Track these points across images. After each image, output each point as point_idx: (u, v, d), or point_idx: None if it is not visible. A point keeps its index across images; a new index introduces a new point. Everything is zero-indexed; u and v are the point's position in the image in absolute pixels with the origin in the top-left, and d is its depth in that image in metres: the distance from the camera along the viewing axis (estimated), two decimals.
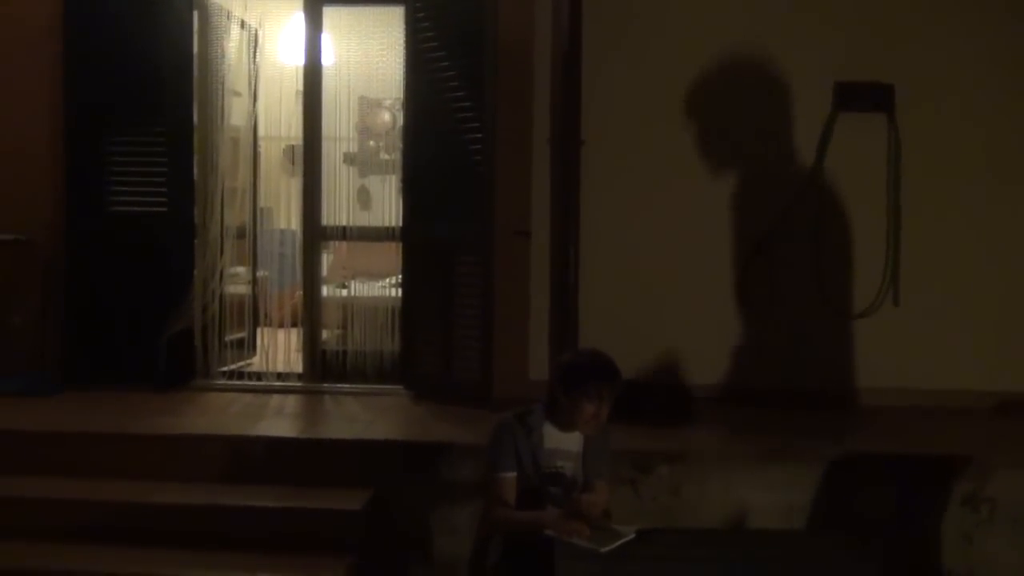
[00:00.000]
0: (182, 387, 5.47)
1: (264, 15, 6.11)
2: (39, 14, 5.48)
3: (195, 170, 5.64)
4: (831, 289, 5.33)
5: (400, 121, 6.07)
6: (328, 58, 5.94)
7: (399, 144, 6.07)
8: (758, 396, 5.24)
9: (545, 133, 5.07)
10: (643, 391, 4.55)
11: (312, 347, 5.70)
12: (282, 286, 6.64)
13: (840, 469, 4.22)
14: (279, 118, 6.37)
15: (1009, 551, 4.19)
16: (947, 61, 5.33)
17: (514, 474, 3.25)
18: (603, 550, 2.92)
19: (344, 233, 5.98)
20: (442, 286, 5.26)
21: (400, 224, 5.66)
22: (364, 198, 6.63)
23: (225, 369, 5.76)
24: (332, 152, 5.91)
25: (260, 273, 6.39)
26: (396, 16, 5.56)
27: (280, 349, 6.02)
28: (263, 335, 6.22)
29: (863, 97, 5.29)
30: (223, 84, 5.76)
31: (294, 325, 6.12)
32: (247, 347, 6.09)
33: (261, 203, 6.55)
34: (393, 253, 5.85)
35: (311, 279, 5.76)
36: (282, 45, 6.89)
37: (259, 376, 5.75)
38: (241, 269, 6.13)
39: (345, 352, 5.84)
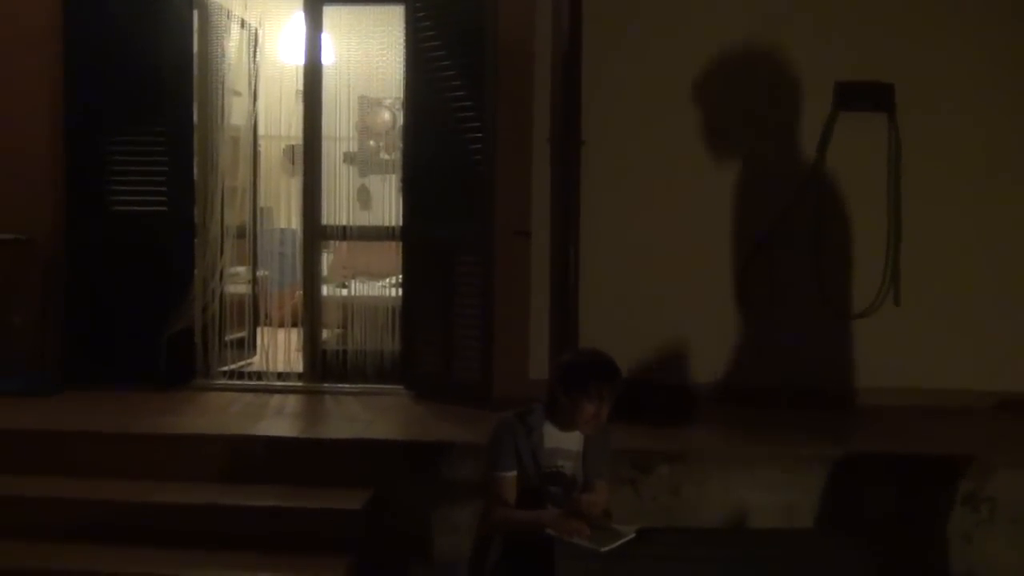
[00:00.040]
0: (182, 387, 5.48)
1: (264, 14, 6.11)
2: (39, 14, 5.48)
3: (195, 170, 5.64)
4: (831, 289, 5.33)
5: (400, 120, 6.07)
6: (328, 57, 5.94)
7: (399, 143, 6.07)
8: (758, 396, 5.24)
9: (545, 133, 5.07)
10: (643, 391, 4.55)
11: (312, 347, 5.70)
12: (282, 286, 6.64)
13: (845, 469, 4.22)
14: (279, 117, 6.36)
15: (1009, 551, 4.20)
16: (947, 61, 5.33)
17: (514, 473, 3.26)
18: (603, 550, 2.92)
19: (344, 233, 5.97)
20: (442, 286, 5.26)
21: (400, 224, 5.66)
22: (364, 198, 6.63)
23: (225, 369, 5.76)
24: (332, 152, 5.90)
25: (260, 273, 6.39)
26: (396, 15, 5.57)
27: (280, 349, 6.02)
28: (263, 335, 6.22)
29: (863, 97, 5.29)
30: (223, 83, 5.76)
31: (294, 325, 6.12)
32: (247, 347, 6.10)
33: (261, 203, 6.55)
34: (393, 253, 5.85)
35: (311, 279, 5.76)
36: (282, 44, 6.88)
37: (259, 376, 5.75)
38: (241, 269, 6.13)
39: (345, 352, 5.84)
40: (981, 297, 5.36)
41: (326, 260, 6.33)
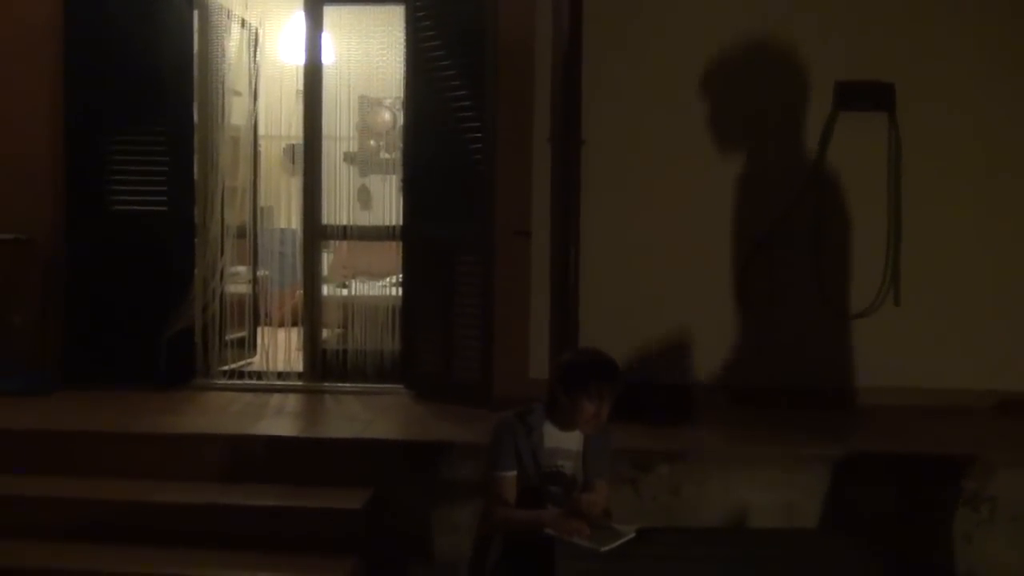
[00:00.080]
0: (182, 386, 5.48)
1: (264, 14, 6.11)
2: (39, 14, 5.48)
3: (195, 169, 5.64)
4: (831, 289, 5.33)
5: (400, 120, 6.07)
6: (328, 57, 5.94)
7: (399, 143, 6.06)
8: (758, 395, 5.24)
9: (545, 133, 5.06)
10: (643, 391, 4.55)
11: (312, 346, 5.70)
12: (282, 285, 6.64)
13: (845, 469, 4.22)
14: (279, 117, 6.36)
15: (1009, 551, 4.19)
16: (947, 61, 5.33)
17: (514, 473, 3.26)
18: (603, 549, 2.92)
19: (344, 232, 5.98)
20: (442, 285, 5.26)
21: (400, 223, 5.66)
22: (364, 197, 6.63)
23: (225, 368, 5.76)
24: (332, 151, 5.91)
25: (260, 272, 6.38)
26: (397, 15, 5.57)
27: (280, 348, 6.02)
28: (263, 334, 6.22)
29: (863, 96, 5.29)
30: (223, 83, 5.76)
31: (294, 324, 6.12)
32: (247, 346, 6.10)
33: (261, 202, 6.55)
34: (393, 252, 5.85)
35: (311, 278, 5.76)
36: (282, 44, 6.88)
37: (259, 375, 5.76)
38: (241, 268, 6.13)
39: (345, 351, 5.84)
40: (981, 297, 5.36)
41: (326, 260, 6.33)
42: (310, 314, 5.73)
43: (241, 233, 6.02)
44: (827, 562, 3.03)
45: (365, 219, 6.22)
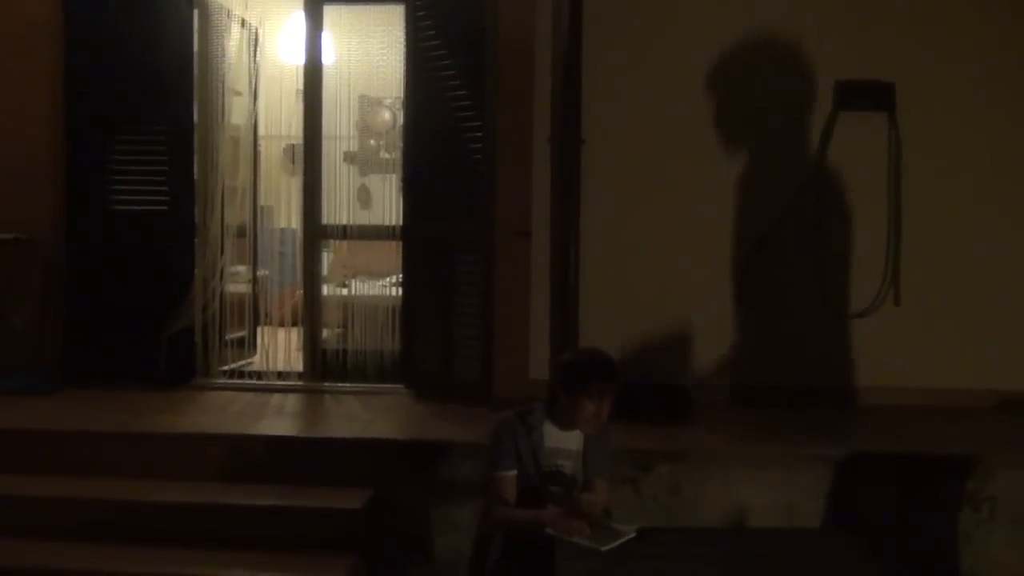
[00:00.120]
0: (182, 386, 5.48)
1: (264, 14, 6.11)
2: (39, 14, 5.48)
3: (195, 169, 5.64)
4: (831, 288, 5.33)
5: (400, 120, 6.07)
6: (328, 57, 5.94)
7: (399, 143, 6.07)
8: (758, 395, 5.25)
9: (545, 133, 5.07)
10: (643, 390, 4.55)
11: (312, 346, 5.70)
12: (282, 285, 6.64)
13: (845, 469, 4.22)
14: (279, 117, 6.36)
15: (1009, 550, 4.19)
16: (948, 60, 5.33)
17: (514, 473, 3.26)
18: (603, 549, 2.92)
19: (344, 232, 5.98)
20: (442, 285, 5.26)
21: (400, 223, 5.66)
22: (364, 197, 6.64)
23: (225, 368, 5.76)
24: (332, 151, 5.91)
25: (260, 272, 6.38)
26: (397, 15, 5.57)
27: (280, 348, 6.03)
28: (263, 334, 6.22)
29: (863, 96, 5.29)
30: (223, 83, 5.76)
31: (294, 324, 6.12)
32: (247, 346, 6.10)
33: (261, 202, 6.55)
34: (393, 252, 5.85)
35: (311, 278, 5.76)
36: (282, 44, 6.88)
37: (259, 375, 5.76)
38: (241, 268, 6.13)
39: (345, 351, 5.84)
40: (981, 297, 5.36)
41: (326, 259, 6.34)
42: (310, 314, 5.73)
43: (241, 233, 6.02)
44: (827, 562, 3.03)
45: (365, 219, 6.22)
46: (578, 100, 4.73)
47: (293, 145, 6.65)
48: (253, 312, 6.22)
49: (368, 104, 7.02)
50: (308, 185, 5.72)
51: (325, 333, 5.91)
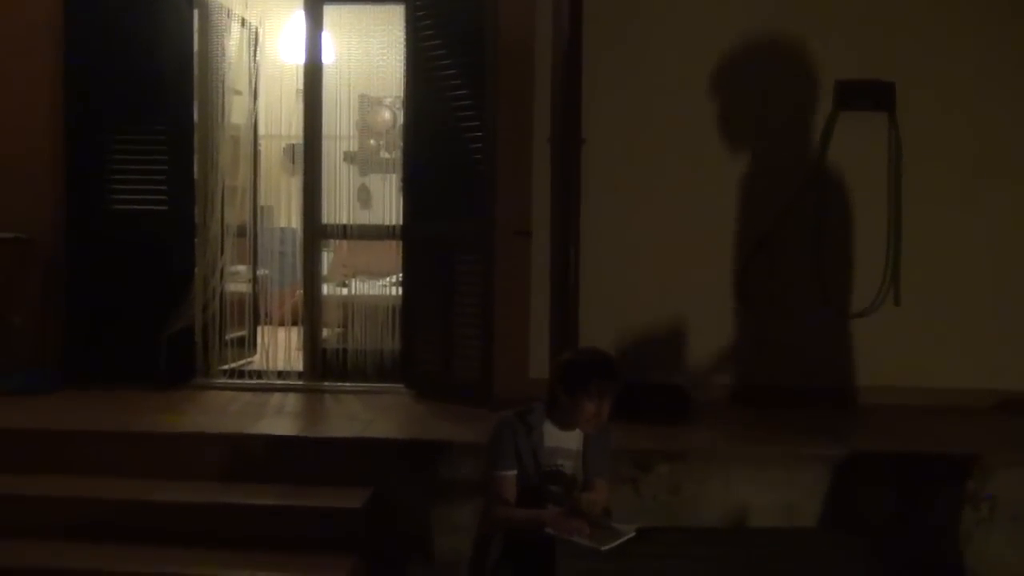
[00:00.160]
0: (183, 385, 5.48)
1: (264, 13, 6.12)
2: (39, 14, 5.48)
3: (195, 169, 5.64)
4: (832, 288, 5.32)
5: (400, 119, 6.07)
6: (328, 56, 5.94)
7: (399, 142, 6.07)
8: (758, 395, 5.24)
9: (545, 133, 5.06)
10: (643, 390, 4.55)
11: (312, 345, 5.70)
12: (282, 284, 6.64)
13: (845, 468, 4.22)
14: (279, 116, 6.37)
15: (1009, 549, 4.19)
16: (948, 60, 5.33)
17: (514, 472, 3.26)
18: (603, 548, 2.93)
19: (344, 232, 5.98)
20: (442, 285, 5.26)
21: (400, 223, 5.67)
22: (364, 196, 6.64)
23: (226, 367, 5.76)
24: (332, 151, 5.91)
25: (260, 271, 6.39)
26: (397, 14, 5.57)
27: (280, 347, 6.03)
28: (263, 333, 6.22)
29: (863, 96, 5.29)
30: (223, 82, 5.76)
31: (294, 323, 6.12)
32: (247, 345, 6.10)
33: (261, 201, 6.55)
34: (393, 252, 5.85)
35: (311, 277, 5.76)
36: (283, 43, 6.89)
37: (259, 374, 5.76)
38: (241, 267, 6.13)
39: (345, 350, 5.84)
40: (981, 297, 5.36)
41: (326, 259, 6.34)
42: (310, 313, 5.73)
43: (241, 232, 6.02)
44: (827, 562, 3.03)
45: (365, 218, 6.22)
46: (578, 100, 4.73)
47: (293, 145, 6.66)
48: (253, 312, 6.22)
49: (368, 104, 7.03)
50: (308, 185, 5.72)
51: (325, 333, 5.91)
